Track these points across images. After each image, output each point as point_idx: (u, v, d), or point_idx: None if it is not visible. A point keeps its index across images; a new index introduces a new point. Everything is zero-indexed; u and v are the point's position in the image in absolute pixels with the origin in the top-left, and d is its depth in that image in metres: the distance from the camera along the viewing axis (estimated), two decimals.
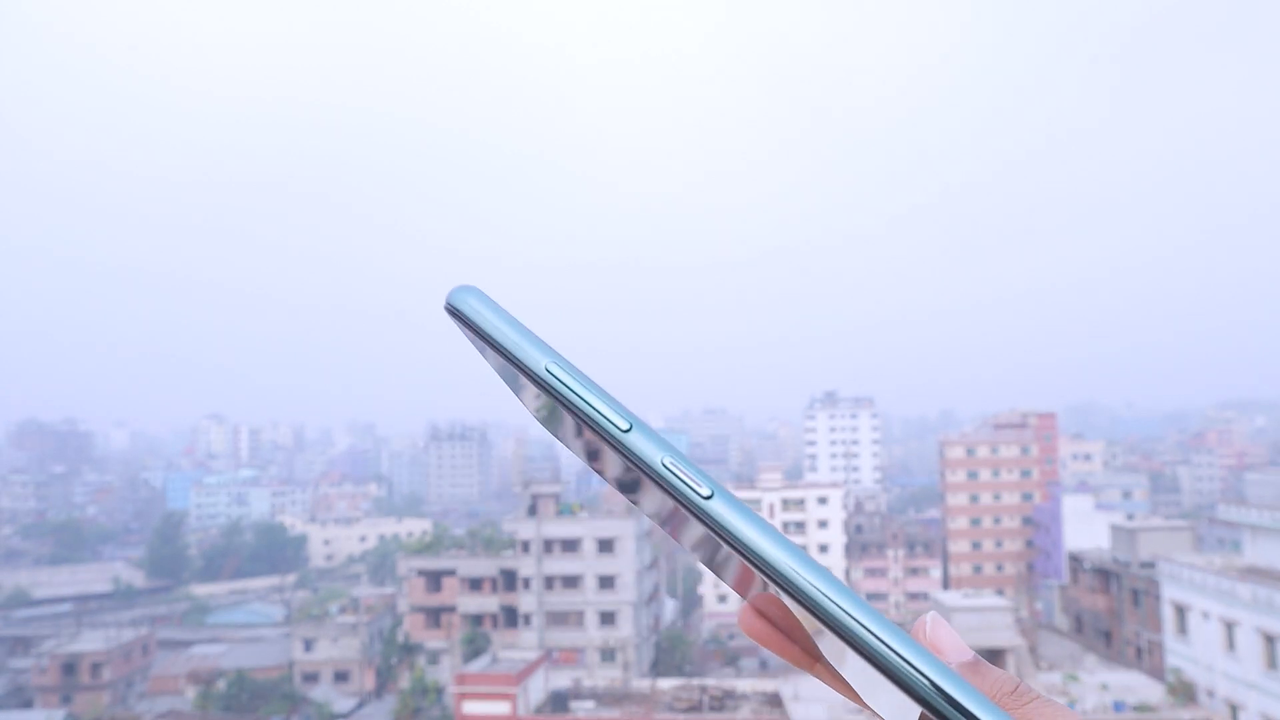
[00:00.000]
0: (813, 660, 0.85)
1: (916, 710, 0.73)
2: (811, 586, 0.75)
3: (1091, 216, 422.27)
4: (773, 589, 0.77)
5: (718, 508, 0.77)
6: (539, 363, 0.78)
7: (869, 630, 0.74)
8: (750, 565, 0.76)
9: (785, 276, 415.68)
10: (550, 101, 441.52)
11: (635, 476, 0.80)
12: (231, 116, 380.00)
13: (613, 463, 0.81)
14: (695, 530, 0.80)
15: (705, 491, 0.77)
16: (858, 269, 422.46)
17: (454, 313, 0.79)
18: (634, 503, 0.86)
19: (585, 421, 0.78)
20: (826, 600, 0.75)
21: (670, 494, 0.77)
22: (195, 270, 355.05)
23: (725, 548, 0.78)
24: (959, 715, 0.72)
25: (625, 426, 0.78)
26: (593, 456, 0.84)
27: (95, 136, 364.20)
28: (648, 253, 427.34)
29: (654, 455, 0.77)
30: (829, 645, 0.77)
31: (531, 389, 0.80)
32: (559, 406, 0.79)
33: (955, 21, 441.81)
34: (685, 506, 0.77)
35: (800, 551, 0.77)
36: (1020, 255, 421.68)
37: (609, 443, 0.78)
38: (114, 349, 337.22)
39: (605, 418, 0.78)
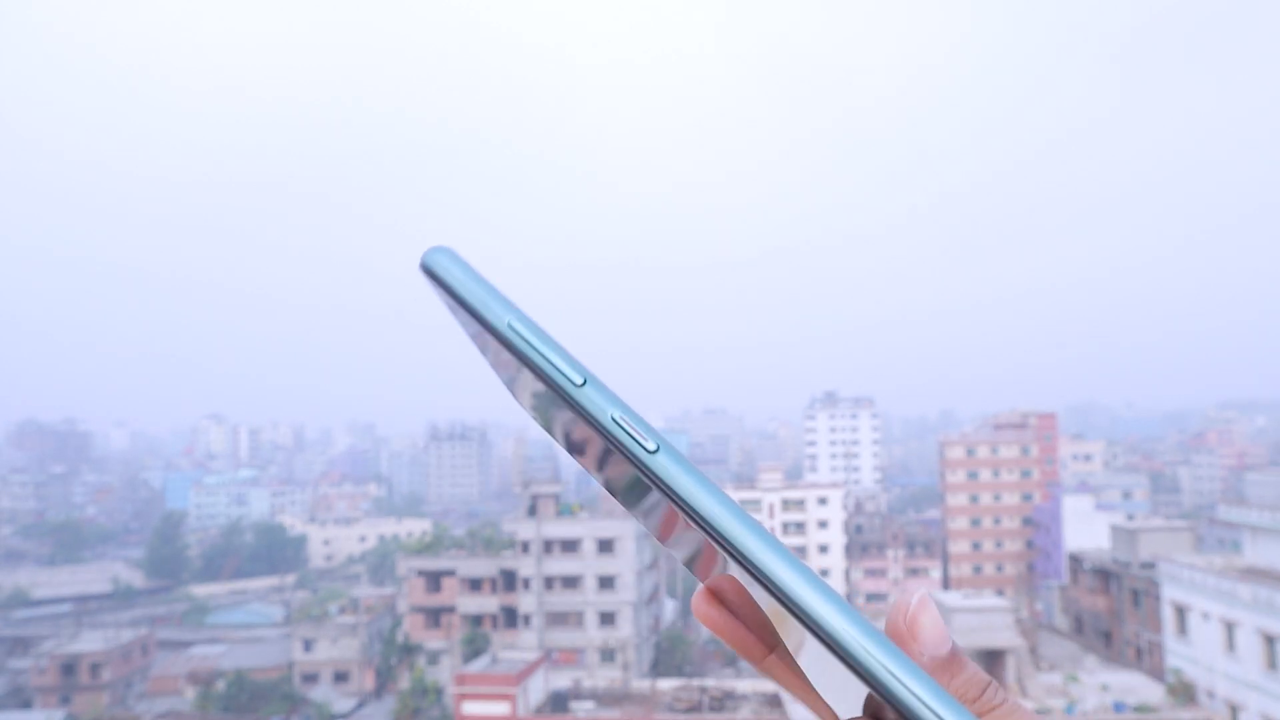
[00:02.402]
0: (766, 651, 0.83)
1: (864, 691, 0.70)
2: (753, 542, 0.73)
3: (1091, 216, 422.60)
4: (715, 549, 0.76)
5: (663, 462, 0.76)
6: (502, 319, 0.79)
7: (814, 595, 0.71)
8: (691, 521, 0.76)
9: (785, 276, 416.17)
10: (551, 101, 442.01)
11: (587, 434, 0.80)
12: (232, 116, 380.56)
13: (567, 418, 0.81)
14: (645, 490, 0.80)
15: (651, 446, 0.77)
16: (858, 269, 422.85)
17: (427, 271, 0.81)
18: (586, 467, 0.87)
19: (541, 376, 0.79)
20: (768, 559, 0.73)
21: (617, 448, 0.78)
22: (195, 270, 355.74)
23: (673, 508, 0.77)
24: (909, 697, 0.68)
25: (579, 381, 0.78)
26: (549, 419, 0.86)
27: (95, 136, 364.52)
28: (648, 253, 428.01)
29: (604, 410, 0.78)
30: (775, 616, 0.76)
31: (495, 345, 0.81)
32: (521, 364, 0.80)
33: (957, 23, 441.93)
34: (632, 461, 0.77)
35: (746, 513, 0.75)
36: (1020, 255, 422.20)
37: (563, 398, 0.79)
38: (114, 349, 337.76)
39: (560, 372, 0.78)
